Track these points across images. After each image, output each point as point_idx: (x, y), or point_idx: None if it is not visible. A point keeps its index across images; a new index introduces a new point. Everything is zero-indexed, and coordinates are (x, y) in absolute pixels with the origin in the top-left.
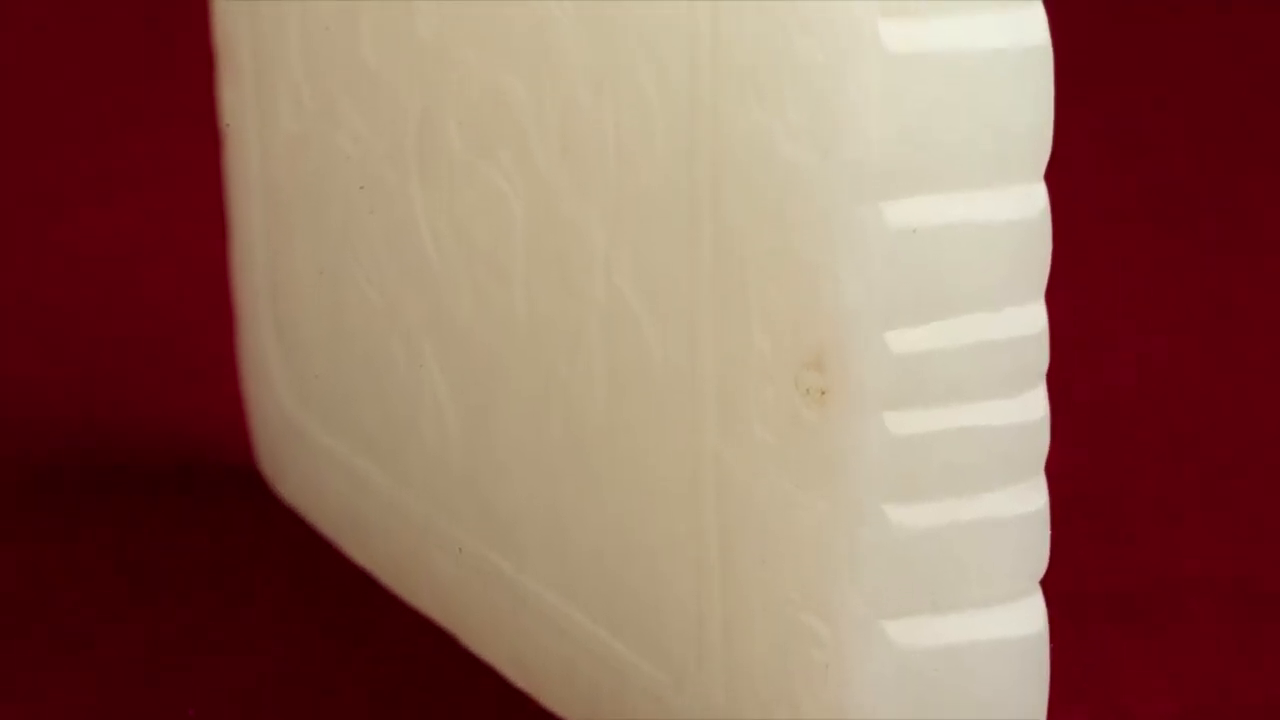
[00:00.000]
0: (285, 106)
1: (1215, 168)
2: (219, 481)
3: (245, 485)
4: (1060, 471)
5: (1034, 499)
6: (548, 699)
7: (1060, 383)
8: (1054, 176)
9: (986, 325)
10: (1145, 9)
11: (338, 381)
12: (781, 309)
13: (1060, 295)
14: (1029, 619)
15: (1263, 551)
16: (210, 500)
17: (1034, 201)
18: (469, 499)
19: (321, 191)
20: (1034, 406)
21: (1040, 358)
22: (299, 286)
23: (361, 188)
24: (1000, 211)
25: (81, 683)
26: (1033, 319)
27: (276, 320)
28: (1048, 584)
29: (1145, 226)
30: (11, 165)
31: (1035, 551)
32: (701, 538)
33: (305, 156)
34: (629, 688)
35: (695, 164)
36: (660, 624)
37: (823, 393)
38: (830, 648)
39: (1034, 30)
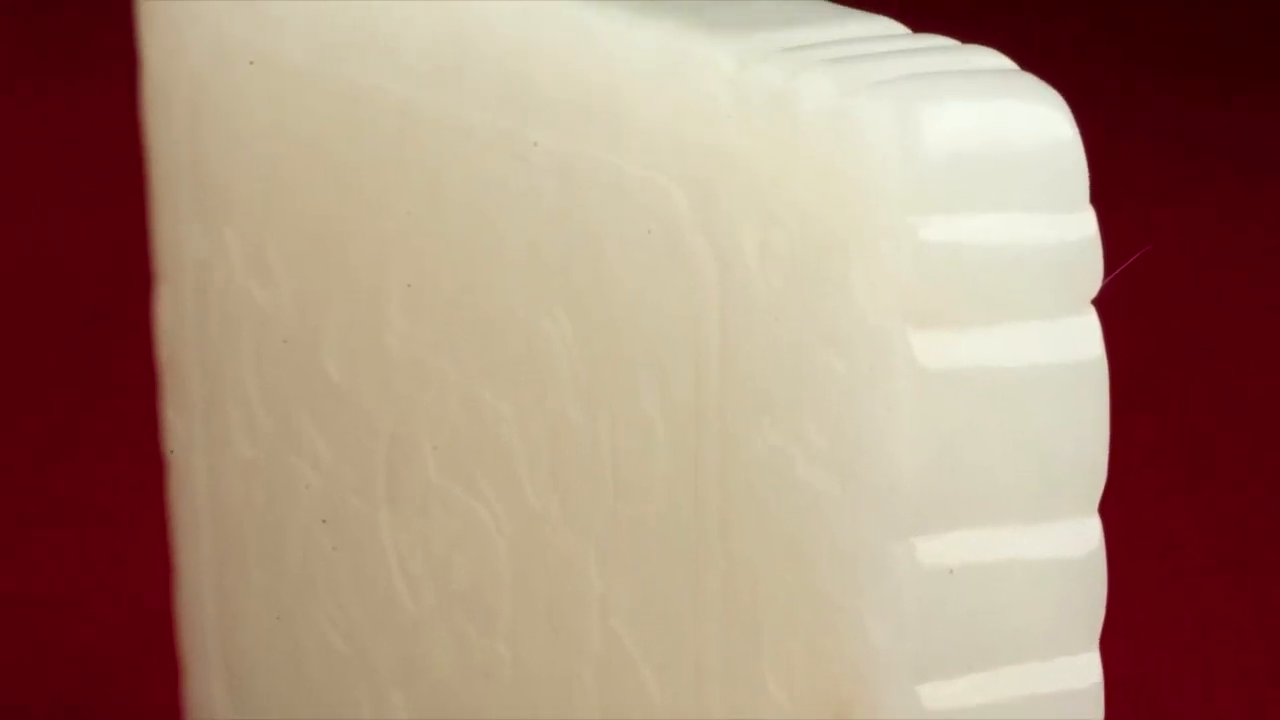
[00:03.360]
0: (237, 429)
1: None
2: None
3: None
4: None
5: None
6: None
7: None
8: (1108, 508)
9: (1034, 678)
10: (1200, 305)
11: None
12: (800, 656)
13: (1117, 643)
14: None
15: None
16: None
17: (1087, 538)
18: None
19: (278, 525)
20: None
21: (1095, 714)
22: (253, 632)
23: (324, 520)
24: (1049, 549)
25: None
26: (1086, 670)
27: (228, 670)
28: None
29: (1210, 563)
30: None
31: None
32: None
33: (260, 485)
34: None
35: (702, 491)
36: None
37: None
38: None
39: (1087, 342)
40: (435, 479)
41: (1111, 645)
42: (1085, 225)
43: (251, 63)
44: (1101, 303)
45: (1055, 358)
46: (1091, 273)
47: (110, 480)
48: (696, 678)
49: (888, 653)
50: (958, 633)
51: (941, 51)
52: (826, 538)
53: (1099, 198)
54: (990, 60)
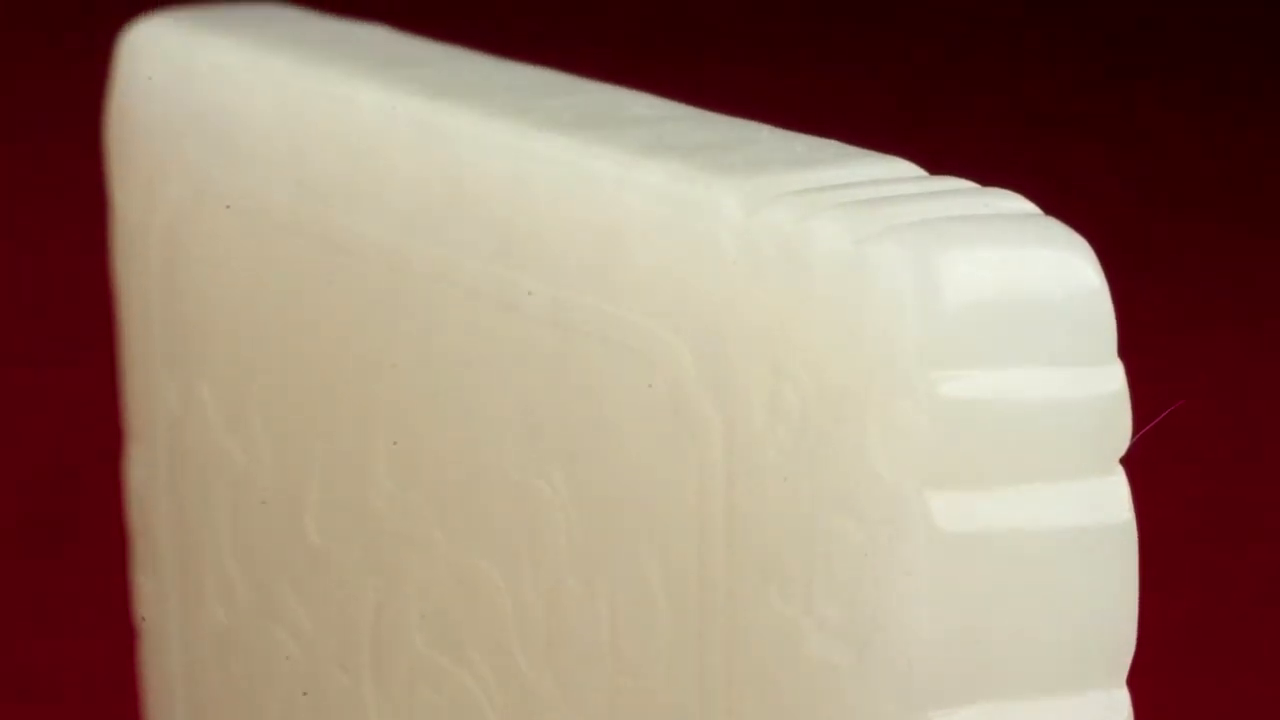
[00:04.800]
0: (212, 595)
1: None
2: None
3: None
4: None
5: None
6: None
7: None
8: (1137, 680)
9: None
10: (1235, 463)
11: None
12: None
13: None
14: None
15: None
16: None
17: (1115, 711)
18: None
19: (256, 697)
20: None
21: None
22: None
23: (305, 693)
24: None
25: None
26: None
27: None
28: None
29: None
30: None
31: None
32: None
33: (237, 655)
34: None
35: (706, 665)
36: None
37: None
38: None
39: (1115, 504)
40: (423, 650)
41: None
42: (1113, 379)
43: (228, 207)
44: (1130, 461)
45: (1082, 520)
46: (1120, 430)
47: (79, 650)
48: None
49: None
50: None
51: (960, 194)
52: (840, 714)
53: (1127, 349)
54: (1012, 204)
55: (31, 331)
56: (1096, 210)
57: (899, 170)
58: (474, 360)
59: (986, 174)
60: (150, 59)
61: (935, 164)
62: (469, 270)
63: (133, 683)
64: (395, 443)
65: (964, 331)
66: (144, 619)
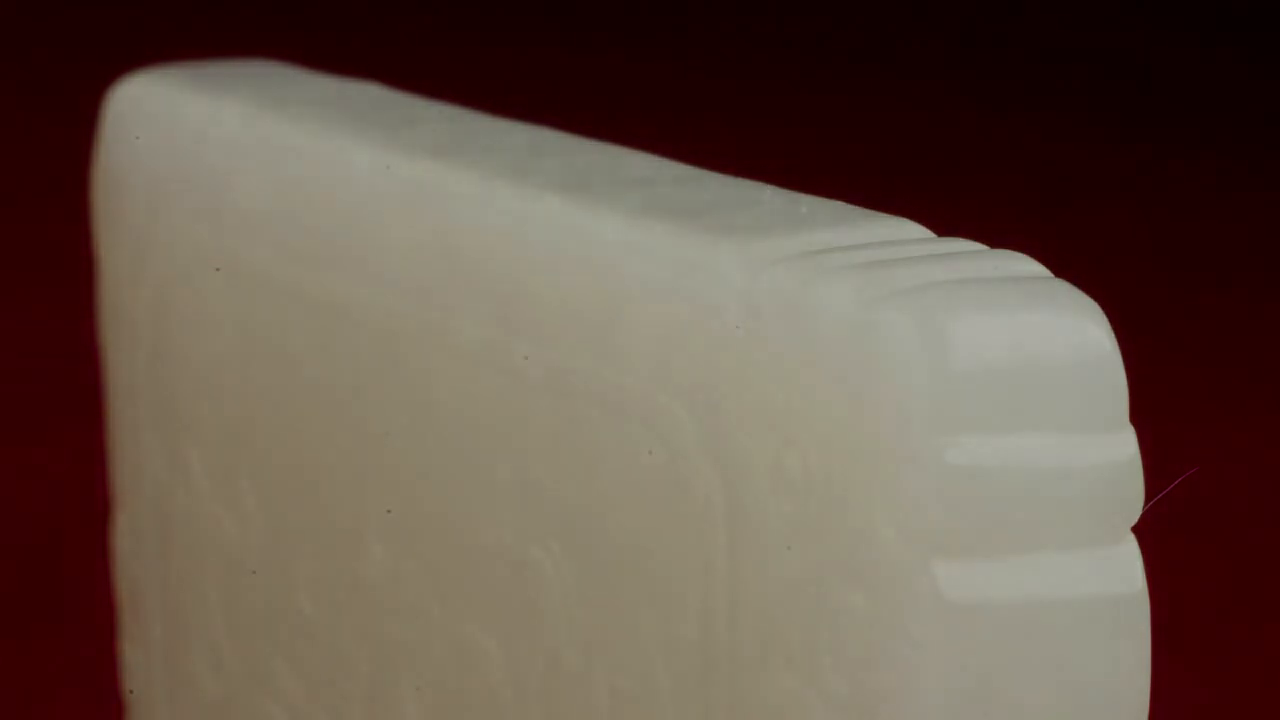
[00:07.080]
0: (202, 667)
1: None
2: None
3: None
4: None
5: None
6: None
7: None
8: None
9: None
10: (1254, 530)
11: None
12: None
13: None
14: None
15: None
16: None
17: None
18: None
19: None
20: None
21: None
22: None
23: None
24: None
25: None
26: None
27: None
28: None
29: None
30: None
31: None
32: None
33: None
34: None
35: None
36: None
37: None
38: None
39: (1127, 574)
40: None
41: None
42: (1125, 446)
43: (218, 269)
44: (1142, 530)
45: (1092, 590)
46: (1132, 497)
47: None
48: None
49: None
50: None
51: (969, 257)
52: None
53: (1140, 414)
54: (1021, 266)
55: (16, 398)
56: (1107, 272)
57: (906, 231)
58: (469, 427)
59: (995, 235)
60: (137, 119)
61: (943, 225)
62: (465, 335)
63: None
64: (389, 511)
65: (972, 397)
66: (132, 692)
